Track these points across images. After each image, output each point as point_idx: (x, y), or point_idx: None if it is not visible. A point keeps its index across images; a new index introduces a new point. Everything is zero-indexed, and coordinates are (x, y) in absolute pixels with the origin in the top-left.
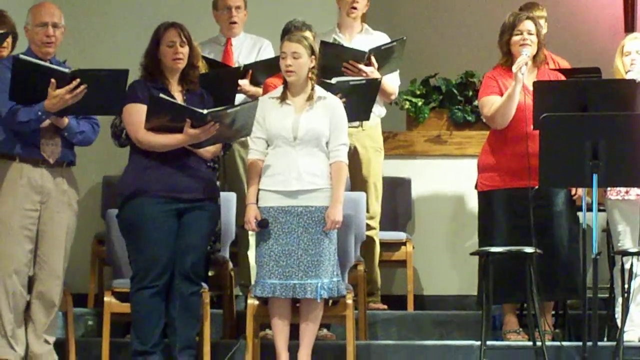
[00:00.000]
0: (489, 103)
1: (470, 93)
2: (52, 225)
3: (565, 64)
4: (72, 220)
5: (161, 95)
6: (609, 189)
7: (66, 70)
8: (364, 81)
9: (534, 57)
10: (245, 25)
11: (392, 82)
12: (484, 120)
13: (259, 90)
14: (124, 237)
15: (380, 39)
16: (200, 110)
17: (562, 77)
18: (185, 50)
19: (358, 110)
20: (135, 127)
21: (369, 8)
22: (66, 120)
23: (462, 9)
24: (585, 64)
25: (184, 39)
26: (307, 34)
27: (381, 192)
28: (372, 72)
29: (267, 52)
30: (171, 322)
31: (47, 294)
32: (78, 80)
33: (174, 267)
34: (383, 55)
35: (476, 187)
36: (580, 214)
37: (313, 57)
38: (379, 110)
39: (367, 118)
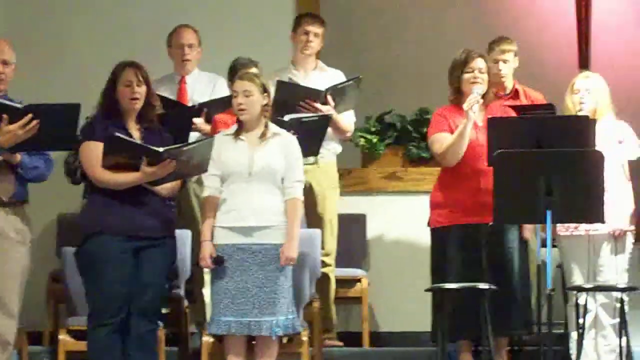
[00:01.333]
0: (439, 141)
1: (425, 129)
2: (6, 264)
3: (539, 98)
4: (26, 259)
5: (117, 134)
6: (558, 225)
7: (18, 105)
8: (315, 117)
9: (484, 95)
10: (200, 61)
11: (348, 119)
12: (435, 157)
13: None
14: (82, 274)
15: (335, 75)
16: (156, 148)
17: (512, 113)
18: (143, 89)
19: (307, 146)
20: (92, 164)
21: (325, 45)
22: (19, 156)
23: (417, 45)
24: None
25: (141, 79)
26: (254, 70)
27: (337, 228)
28: (328, 110)
29: (222, 88)
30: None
31: (1, 333)
32: (30, 115)
33: (131, 304)
34: (339, 94)
35: (429, 224)
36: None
37: (265, 94)
38: (334, 147)
39: (316, 154)
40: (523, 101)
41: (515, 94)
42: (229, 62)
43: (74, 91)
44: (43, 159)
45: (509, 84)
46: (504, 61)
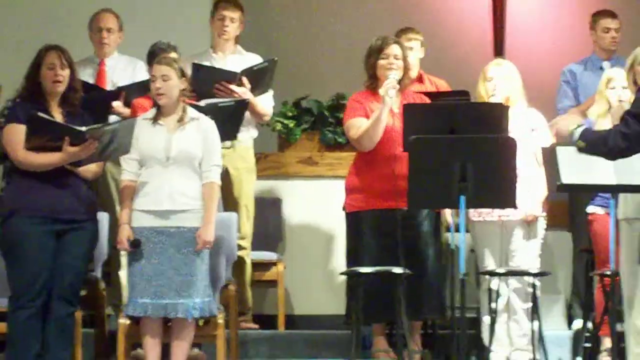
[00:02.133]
0: (356, 126)
1: (341, 115)
2: None
3: (443, 84)
4: None
5: (39, 113)
6: (471, 210)
7: None
8: (232, 102)
9: (400, 81)
10: (121, 45)
11: (265, 103)
12: (351, 142)
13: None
14: (2, 256)
15: (252, 60)
16: (79, 128)
17: (427, 100)
18: (66, 73)
19: (225, 131)
20: (15, 147)
21: (244, 30)
22: None
23: (334, 31)
24: (456, 87)
25: (65, 62)
26: (173, 54)
27: (253, 212)
28: (244, 92)
29: (141, 72)
30: (46, 342)
31: None
32: None
33: (52, 287)
34: (255, 76)
35: (344, 208)
36: (448, 234)
37: (183, 78)
38: (251, 132)
39: (235, 138)
40: (428, 87)
41: (420, 79)
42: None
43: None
44: None
45: (414, 73)
46: (410, 49)
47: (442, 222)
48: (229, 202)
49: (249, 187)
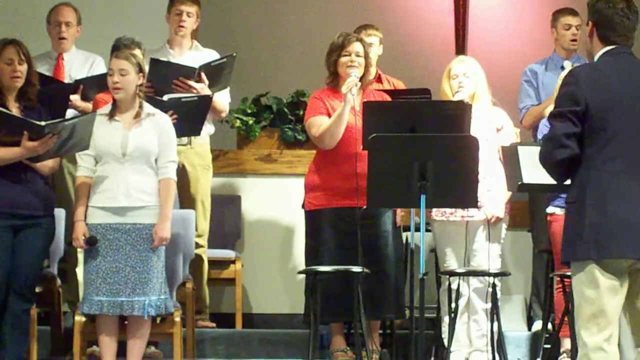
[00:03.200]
0: (317, 124)
1: (301, 112)
2: None
3: (400, 85)
4: None
5: None
6: (434, 210)
7: None
8: (195, 98)
9: (361, 79)
10: (79, 40)
11: (222, 99)
12: (312, 140)
13: (89, 105)
14: None
15: (210, 55)
16: (38, 122)
17: (388, 98)
18: (24, 68)
19: (189, 126)
20: None
21: (202, 26)
22: None
23: (294, 28)
24: (418, 86)
25: (23, 57)
26: (137, 51)
27: (209, 210)
28: (202, 88)
29: (99, 67)
30: (2, 339)
31: None
32: None
33: (8, 283)
34: (213, 72)
35: (303, 206)
36: (407, 234)
37: (141, 74)
38: (208, 128)
39: (198, 133)
40: (386, 87)
41: (378, 78)
42: (107, 43)
43: None
44: None
45: (373, 70)
46: (369, 45)
47: (396, 222)
48: (185, 199)
49: (205, 184)
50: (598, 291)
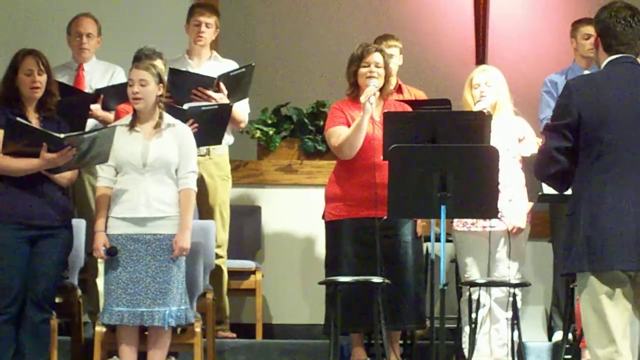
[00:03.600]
0: (337, 134)
1: (321, 123)
2: None
3: (421, 95)
4: None
5: (18, 119)
6: (455, 220)
7: None
8: (216, 106)
9: (381, 89)
10: (99, 51)
11: (241, 110)
12: (332, 150)
13: (110, 115)
14: None
15: (229, 66)
16: (58, 135)
17: (409, 109)
18: (43, 78)
19: (209, 135)
20: None
21: (222, 36)
22: None
23: (315, 38)
24: (438, 96)
25: (42, 67)
26: (158, 62)
27: (228, 220)
28: (221, 98)
29: (119, 78)
30: (21, 349)
31: None
32: None
33: (26, 294)
34: (232, 82)
35: (323, 217)
36: (428, 244)
37: (161, 84)
38: (227, 139)
39: (220, 142)
40: (407, 97)
41: (399, 88)
42: (126, 53)
43: None
44: None
45: (393, 80)
46: (390, 56)
47: (417, 232)
48: (204, 209)
49: (224, 194)
50: (599, 302)
